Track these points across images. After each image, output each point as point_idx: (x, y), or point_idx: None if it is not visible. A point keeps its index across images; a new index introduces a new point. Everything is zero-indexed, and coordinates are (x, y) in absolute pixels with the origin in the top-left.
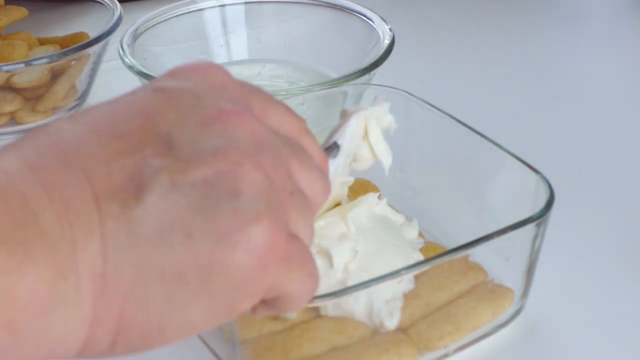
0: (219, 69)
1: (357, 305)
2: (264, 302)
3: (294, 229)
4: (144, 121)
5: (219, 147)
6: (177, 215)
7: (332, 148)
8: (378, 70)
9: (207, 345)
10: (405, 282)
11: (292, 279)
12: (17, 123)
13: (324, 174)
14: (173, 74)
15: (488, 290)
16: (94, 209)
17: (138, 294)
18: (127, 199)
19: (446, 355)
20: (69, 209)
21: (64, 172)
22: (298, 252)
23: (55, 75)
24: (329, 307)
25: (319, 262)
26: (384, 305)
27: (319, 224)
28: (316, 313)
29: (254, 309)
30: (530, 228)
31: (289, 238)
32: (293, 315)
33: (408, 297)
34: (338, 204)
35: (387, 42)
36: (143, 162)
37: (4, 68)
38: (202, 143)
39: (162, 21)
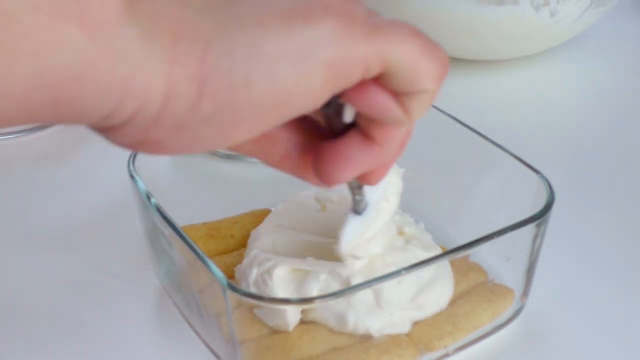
0: None
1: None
2: (381, 81)
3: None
4: None
5: None
6: None
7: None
8: None
9: (207, 345)
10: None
11: (391, 43)
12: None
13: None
14: None
15: (488, 290)
16: None
17: (219, 39)
18: None
19: (446, 355)
20: None
21: None
22: (382, 21)
23: None
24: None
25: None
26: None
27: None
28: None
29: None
30: (530, 228)
31: (369, 14)
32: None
33: None
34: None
35: None
36: None
37: None
38: None
39: None
